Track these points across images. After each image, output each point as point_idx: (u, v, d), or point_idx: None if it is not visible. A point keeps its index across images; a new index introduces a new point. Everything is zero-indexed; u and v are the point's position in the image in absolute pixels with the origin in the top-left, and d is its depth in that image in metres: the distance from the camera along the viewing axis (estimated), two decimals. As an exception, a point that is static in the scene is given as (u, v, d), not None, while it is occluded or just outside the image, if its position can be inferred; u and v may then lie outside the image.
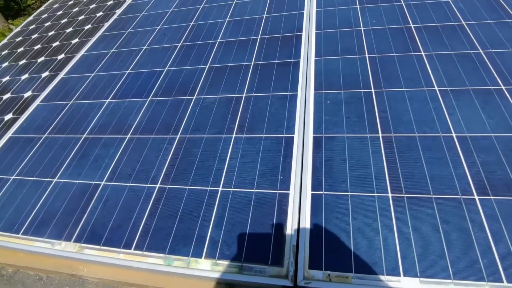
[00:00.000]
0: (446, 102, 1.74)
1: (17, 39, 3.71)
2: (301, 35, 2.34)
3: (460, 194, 1.39)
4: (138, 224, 1.53)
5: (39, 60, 3.12)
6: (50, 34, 3.56)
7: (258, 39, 2.41)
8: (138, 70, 2.45)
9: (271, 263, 1.31)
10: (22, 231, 1.66)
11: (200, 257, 1.37)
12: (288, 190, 1.50)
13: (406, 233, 1.31)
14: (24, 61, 3.20)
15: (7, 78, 3.02)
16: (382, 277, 1.22)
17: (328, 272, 1.26)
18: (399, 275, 1.22)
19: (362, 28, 2.30)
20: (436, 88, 1.81)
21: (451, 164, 1.49)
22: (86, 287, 1.59)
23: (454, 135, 1.59)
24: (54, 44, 3.29)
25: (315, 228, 1.37)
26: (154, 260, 1.40)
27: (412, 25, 2.26)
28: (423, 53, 2.03)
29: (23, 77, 2.94)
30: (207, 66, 2.29)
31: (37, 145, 2.11)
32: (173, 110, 2.04)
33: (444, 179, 1.44)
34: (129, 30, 3.03)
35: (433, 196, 1.40)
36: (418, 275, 1.21)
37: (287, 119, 1.80)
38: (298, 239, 1.35)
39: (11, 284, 1.67)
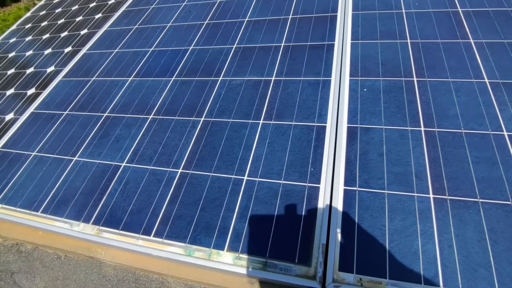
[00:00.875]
0: (497, 96, 1.57)
1: (41, 13, 3.67)
2: (336, 16, 2.18)
3: (511, 200, 1.25)
4: (158, 210, 1.47)
5: (62, 34, 3.07)
6: (73, 8, 3.49)
7: (289, 18, 2.26)
8: (162, 48, 2.36)
9: (298, 261, 1.22)
10: (41, 209, 1.64)
11: (222, 249, 1.30)
12: (319, 183, 1.40)
13: (448, 239, 1.19)
14: (47, 35, 3.16)
15: (30, 52, 2.99)
16: (419, 286, 1.12)
17: (360, 276, 1.16)
18: (438, 285, 1.11)
19: (403, 10, 2.11)
20: (486, 80, 1.64)
21: (502, 166, 1.34)
22: (103, 270, 1.57)
23: (505, 133, 1.43)
24: (78, 19, 3.23)
25: (347, 227, 1.27)
26: (174, 249, 1.35)
27: (459, 9, 2.05)
28: (472, 41, 1.84)
29: (46, 52, 2.90)
30: (234, 46, 2.17)
31: (58, 122, 2.07)
32: (197, 91, 1.94)
33: (493, 182, 1.30)
34: (153, 6, 2.92)
35: (480, 200, 1.27)
36: (460, 286, 1.10)
37: (319, 107, 1.68)
38: (328, 238, 1.25)
39: (29, 261, 1.66)
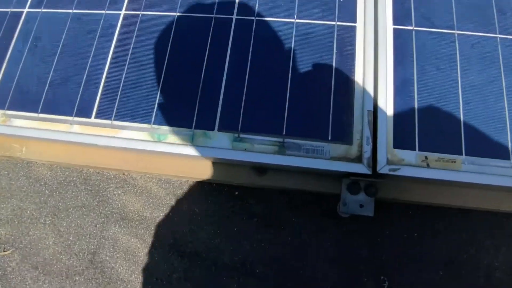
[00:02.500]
0: None
1: None
2: None
3: None
4: (97, 76, 0.86)
5: None
6: None
7: None
8: None
9: (332, 138, 0.76)
10: None
11: (212, 128, 0.79)
12: (354, 21, 0.84)
13: (543, 95, 0.78)
14: None
15: None
16: (506, 162, 0.73)
17: (425, 153, 0.75)
18: (531, 158, 0.74)
19: None
20: None
21: None
22: (34, 172, 1.03)
23: None
24: None
25: (403, 86, 0.79)
26: (132, 134, 0.81)
27: None
28: None
29: None
30: None
31: None
32: None
33: None
34: None
35: None
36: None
37: None
38: (376, 104, 0.78)
39: None
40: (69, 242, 0.94)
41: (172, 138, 0.78)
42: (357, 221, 0.89)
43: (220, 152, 0.76)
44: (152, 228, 0.93)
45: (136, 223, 0.94)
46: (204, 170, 0.86)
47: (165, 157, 0.86)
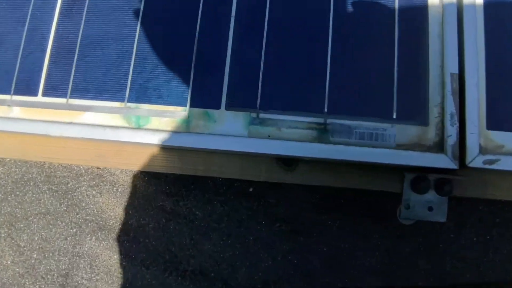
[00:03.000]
0: None
1: None
2: None
3: None
4: (42, 34, 0.57)
5: None
6: None
7: None
8: None
9: (398, 116, 0.50)
10: None
11: (217, 106, 0.52)
12: None
13: None
14: None
15: None
16: None
17: (534, 134, 0.50)
18: None
19: None
20: None
21: None
22: (-24, 167, 0.77)
23: None
24: None
25: (498, 35, 0.53)
26: (98, 118, 0.54)
27: None
28: None
29: None
30: None
31: None
32: None
33: None
34: None
35: None
36: None
37: None
38: (463, 68, 0.52)
39: None
40: (32, 261, 0.71)
41: (157, 122, 0.52)
42: (412, 222, 0.67)
43: (231, 142, 0.50)
44: (141, 239, 0.69)
45: (119, 233, 0.70)
46: (205, 162, 0.61)
47: (151, 148, 0.60)
